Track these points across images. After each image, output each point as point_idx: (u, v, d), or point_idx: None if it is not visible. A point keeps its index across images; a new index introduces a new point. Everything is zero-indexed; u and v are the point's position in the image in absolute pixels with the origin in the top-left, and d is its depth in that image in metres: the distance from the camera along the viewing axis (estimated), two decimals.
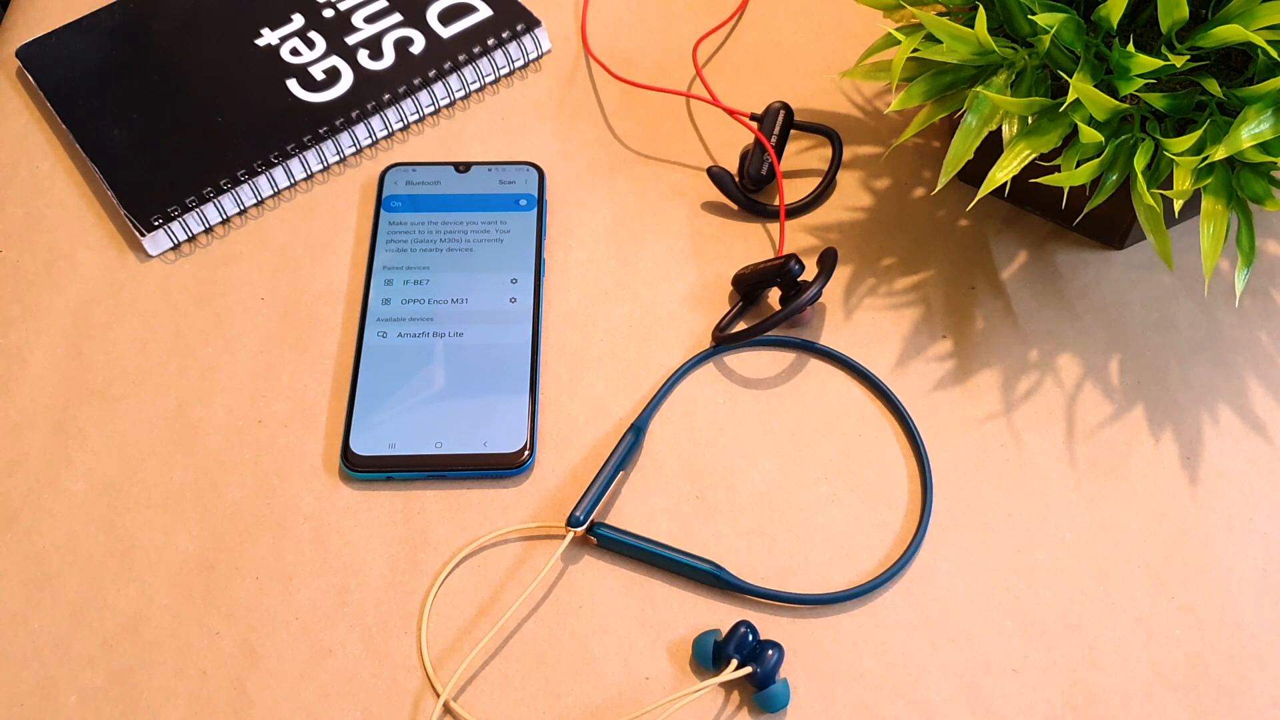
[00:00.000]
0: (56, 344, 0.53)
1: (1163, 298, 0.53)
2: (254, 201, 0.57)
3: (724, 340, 0.52)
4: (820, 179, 0.58)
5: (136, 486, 0.49)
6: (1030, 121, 0.47)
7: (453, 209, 0.56)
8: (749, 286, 0.53)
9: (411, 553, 0.47)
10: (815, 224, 0.56)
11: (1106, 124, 0.46)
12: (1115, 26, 0.46)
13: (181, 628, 0.45)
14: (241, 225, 0.57)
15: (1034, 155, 0.46)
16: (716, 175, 0.56)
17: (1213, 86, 0.45)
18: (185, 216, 0.55)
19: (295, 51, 0.62)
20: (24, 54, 0.62)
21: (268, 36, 0.62)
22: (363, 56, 0.61)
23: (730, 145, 0.59)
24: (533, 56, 0.63)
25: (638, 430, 0.49)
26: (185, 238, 0.56)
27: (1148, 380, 0.51)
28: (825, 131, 0.58)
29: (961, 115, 0.49)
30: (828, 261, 0.51)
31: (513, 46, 0.62)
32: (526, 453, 0.48)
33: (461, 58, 0.61)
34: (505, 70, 0.62)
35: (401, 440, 0.49)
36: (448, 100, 0.61)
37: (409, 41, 0.62)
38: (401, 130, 0.60)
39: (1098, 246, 0.55)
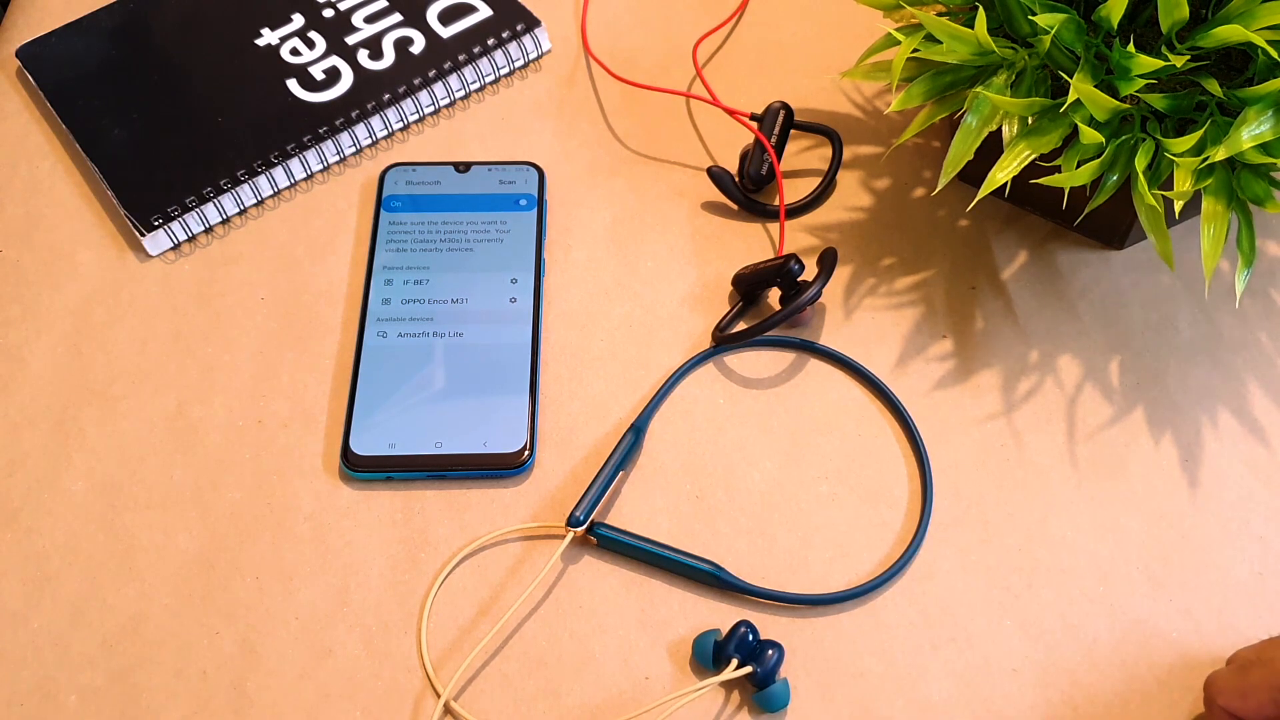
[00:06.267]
0: (56, 344, 0.53)
1: (1163, 298, 0.53)
2: (254, 201, 0.57)
3: (724, 340, 0.52)
4: (820, 179, 0.58)
5: (136, 486, 0.49)
6: (1030, 122, 0.46)
7: (453, 209, 0.56)
8: (749, 286, 0.53)
9: (411, 553, 0.47)
10: (815, 224, 0.56)
11: (1107, 124, 0.46)
12: (1115, 26, 0.46)
13: (181, 628, 0.45)
14: (241, 225, 0.57)
15: (1034, 155, 0.46)
16: (716, 175, 0.56)
17: (1213, 87, 0.45)
18: (185, 216, 0.55)
19: (295, 51, 0.62)
20: (24, 54, 0.62)
21: (268, 36, 0.62)
22: (363, 56, 0.61)
23: (730, 145, 0.59)
24: (533, 56, 0.63)
25: (638, 430, 0.49)
26: (185, 238, 0.56)
27: (1147, 381, 0.51)
28: (825, 131, 0.58)
29: (961, 115, 0.49)
30: (828, 261, 0.51)
31: (513, 46, 0.62)
32: (526, 453, 0.48)
33: (461, 58, 0.61)
34: (505, 70, 0.62)
35: (401, 440, 0.49)
36: (448, 100, 0.61)
37: (409, 41, 0.62)
38: (401, 130, 0.60)
39: (1098, 246, 0.55)
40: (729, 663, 0.43)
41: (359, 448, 0.48)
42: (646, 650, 0.45)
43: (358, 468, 0.48)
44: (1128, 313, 0.53)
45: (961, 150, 0.47)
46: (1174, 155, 0.44)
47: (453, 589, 0.46)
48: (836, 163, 0.57)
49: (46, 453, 0.50)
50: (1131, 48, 0.45)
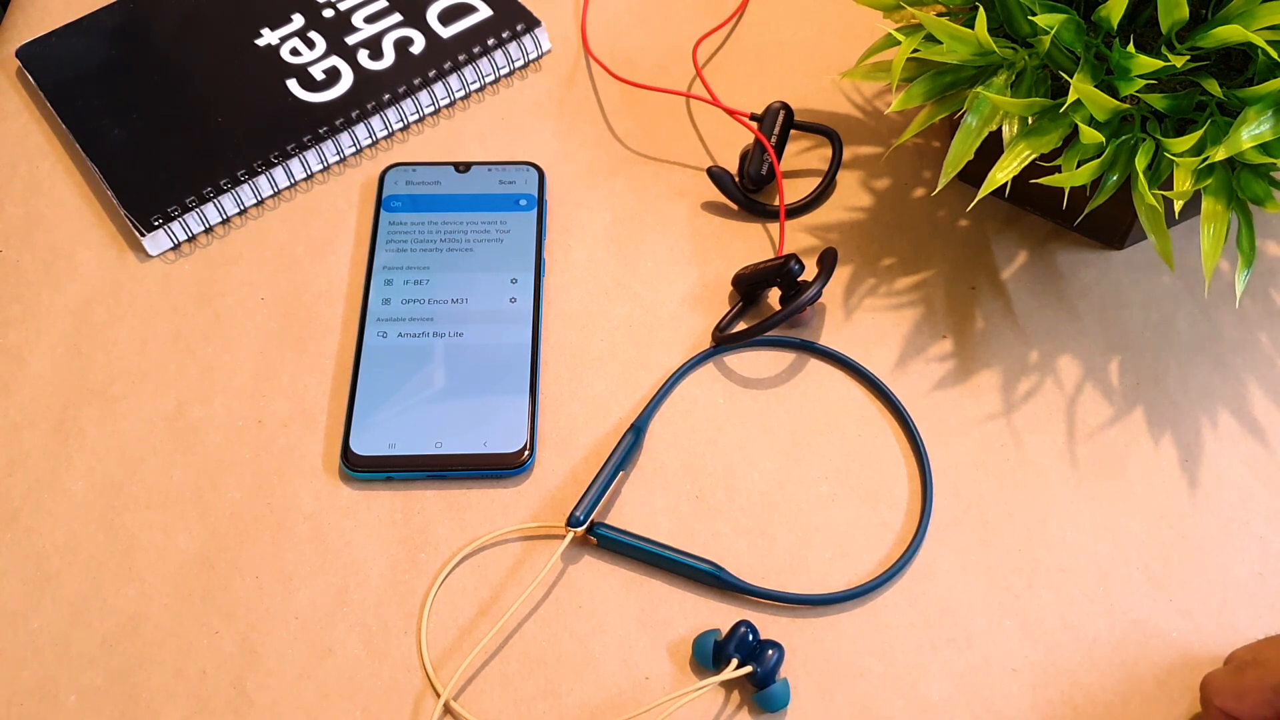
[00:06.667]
0: (56, 344, 0.53)
1: (1163, 298, 0.53)
2: (254, 201, 0.57)
3: (724, 340, 0.52)
4: (820, 179, 0.58)
5: (136, 486, 0.49)
6: (1030, 122, 0.47)
7: (453, 209, 0.56)
8: (749, 286, 0.53)
9: (411, 553, 0.47)
10: (815, 224, 0.56)
11: (1107, 124, 0.46)
12: (1115, 27, 0.46)
13: (181, 628, 0.45)
14: (241, 225, 0.57)
15: (1034, 156, 0.46)
16: (716, 175, 0.56)
17: (1213, 87, 0.45)
18: (185, 216, 0.55)
19: (295, 51, 0.62)
20: (24, 54, 0.62)
21: (268, 36, 0.62)
22: (363, 56, 0.61)
23: (730, 145, 0.59)
24: (533, 56, 0.63)
25: (638, 430, 0.49)
26: (185, 238, 0.56)
27: (1147, 382, 0.51)
28: (825, 131, 0.58)
29: (962, 116, 0.49)
30: (828, 261, 0.51)
31: (513, 46, 0.62)
32: (526, 453, 0.48)
33: (461, 58, 0.61)
34: (505, 70, 0.62)
35: (401, 440, 0.49)
36: (448, 100, 0.61)
37: (409, 41, 0.62)
38: (401, 130, 0.60)
39: (1098, 246, 0.55)
40: (729, 663, 0.43)
41: (359, 448, 0.48)
42: (646, 650, 0.45)
43: (358, 468, 0.48)
44: (1128, 313, 0.53)
45: (961, 150, 0.47)
46: (1174, 155, 0.44)
47: (453, 589, 0.46)
48: (836, 163, 0.57)
49: (46, 453, 0.50)
50: (1131, 48, 0.45)
